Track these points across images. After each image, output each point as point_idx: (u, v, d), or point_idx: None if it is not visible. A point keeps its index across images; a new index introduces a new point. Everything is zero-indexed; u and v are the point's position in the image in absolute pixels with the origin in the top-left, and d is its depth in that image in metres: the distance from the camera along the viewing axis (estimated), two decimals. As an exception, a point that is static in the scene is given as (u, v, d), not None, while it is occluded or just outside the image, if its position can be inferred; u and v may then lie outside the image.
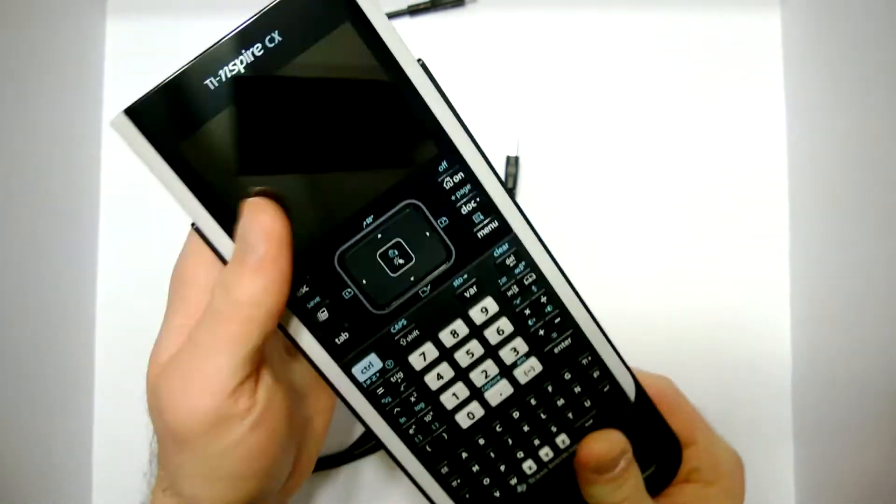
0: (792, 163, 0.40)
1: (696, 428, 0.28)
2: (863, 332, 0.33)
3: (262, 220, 0.21)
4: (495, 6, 0.41)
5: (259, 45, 0.21)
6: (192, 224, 0.23)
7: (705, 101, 0.41)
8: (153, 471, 0.25)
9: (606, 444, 0.26)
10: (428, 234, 0.23)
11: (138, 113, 0.21)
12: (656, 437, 0.27)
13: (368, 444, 0.39)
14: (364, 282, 0.23)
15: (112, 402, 0.40)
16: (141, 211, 0.40)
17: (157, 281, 0.40)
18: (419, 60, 0.22)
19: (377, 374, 0.24)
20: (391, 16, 0.41)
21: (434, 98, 0.22)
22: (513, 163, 0.39)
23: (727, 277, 0.40)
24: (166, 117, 0.21)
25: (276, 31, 0.21)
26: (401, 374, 0.24)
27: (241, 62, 0.21)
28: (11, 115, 0.34)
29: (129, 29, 0.41)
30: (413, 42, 0.41)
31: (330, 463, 0.39)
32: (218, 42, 0.21)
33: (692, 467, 0.28)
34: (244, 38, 0.21)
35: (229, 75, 0.21)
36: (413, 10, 0.41)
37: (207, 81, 0.21)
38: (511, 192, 0.39)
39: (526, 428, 0.26)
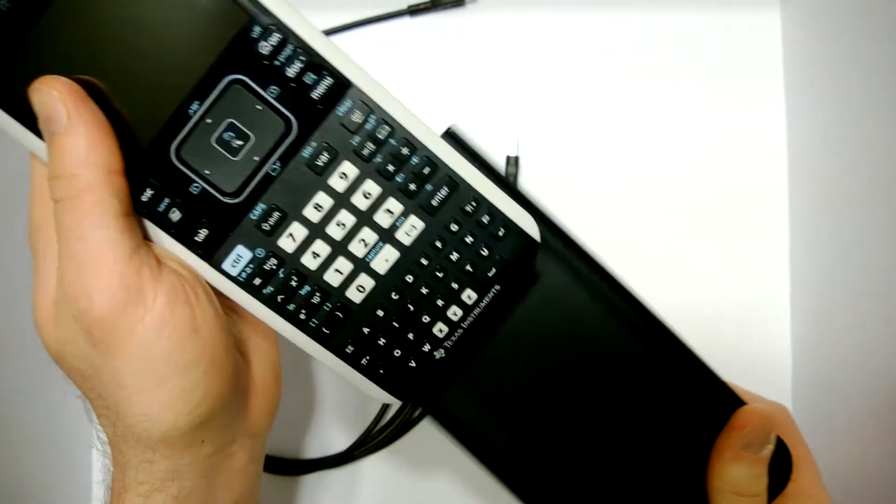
0: (792, 163, 0.40)
1: (804, 465, 0.27)
2: (863, 332, 0.33)
3: (48, 90, 0.20)
4: (495, 6, 0.41)
5: None
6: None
7: (705, 100, 0.41)
8: (105, 448, 0.24)
9: (764, 414, 0.25)
10: (259, 107, 0.22)
11: None
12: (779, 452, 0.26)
13: (369, 445, 0.39)
14: (207, 172, 0.22)
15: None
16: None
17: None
18: None
19: (250, 265, 0.23)
20: (391, 16, 0.41)
21: None
22: (513, 163, 0.39)
23: (727, 277, 0.40)
24: None
25: None
26: (274, 261, 0.23)
27: None
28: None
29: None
30: (413, 42, 0.41)
31: (330, 463, 0.39)
32: None
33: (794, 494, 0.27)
34: None
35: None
36: (413, 10, 0.41)
37: None
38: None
39: (425, 290, 0.24)
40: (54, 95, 0.20)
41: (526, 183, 0.40)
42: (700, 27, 0.41)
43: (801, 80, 0.39)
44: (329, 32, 0.41)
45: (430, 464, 0.39)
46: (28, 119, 0.21)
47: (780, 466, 0.26)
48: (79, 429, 0.39)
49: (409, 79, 0.41)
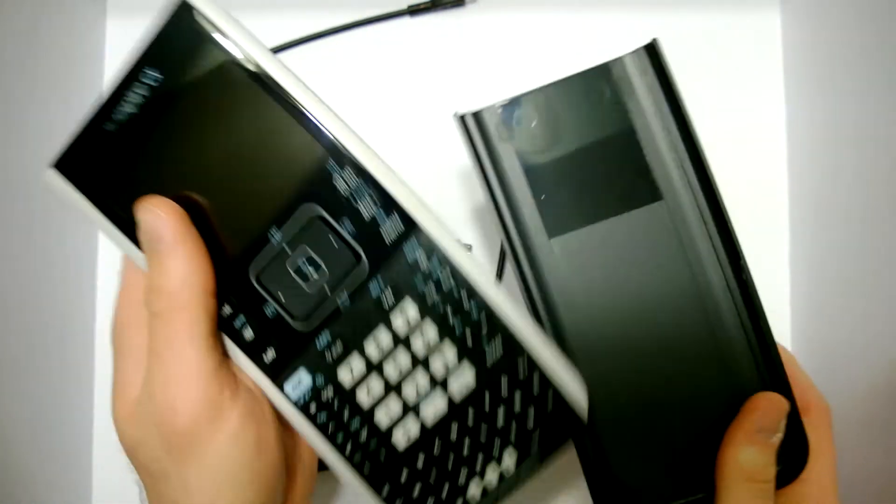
0: (792, 163, 0.40)
1: (822, 462, 0.27)
2: (862, 332, 0.33)
3: (155, 211, 0.22)
4: (495, 6, 0.41)
5: (142, 84, 0.22)
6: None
7: (705, 100, 0.40)
8: None
9: (776, 400, 0.26)
10: (333, 240, 0.23)
11: (64, 165, 0.23)
12: (794, 440, 0.27)
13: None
14: (281, 296, 0.23)
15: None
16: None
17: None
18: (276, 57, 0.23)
19: (309, 391, 0.24)
20: (391, 16, 0.41)
21: (309, 99, 0.22)
22: (513, 163, 0.39)
23: (727, 277, 0.40)
24: (84, 167, 0.23)
25: (157, 69, 0.22)
26: (332, 391, 0.24)
27: (132, 104, 0.22)
28: (11, 114, 0.34)
29: (130, 29, 0.41)
30: (413, 42, 0.41)
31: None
32: (107, 92, 0.22)
33: (806, 493, 0.27)
34: (129, 80, 0.22)
35: (124, 114, 0.22)
36: (413, 10, 0.41)
37: (106, 126, 0.22)
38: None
39: (466, 451, 0.24)
40: (161, 216, 0.22)
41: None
42: (700, 27, 0.41)
43: (801, 80, 0.39)
44: (329, 32, 0.41)
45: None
46: (129, 229, 0.23)
47: (795, 458, 0.27)
48: (79, 429, 0.39)
49: (408, 79, 0.41)
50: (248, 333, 0.23)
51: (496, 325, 0.23)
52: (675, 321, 0.28)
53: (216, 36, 0.22)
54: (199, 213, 0.23)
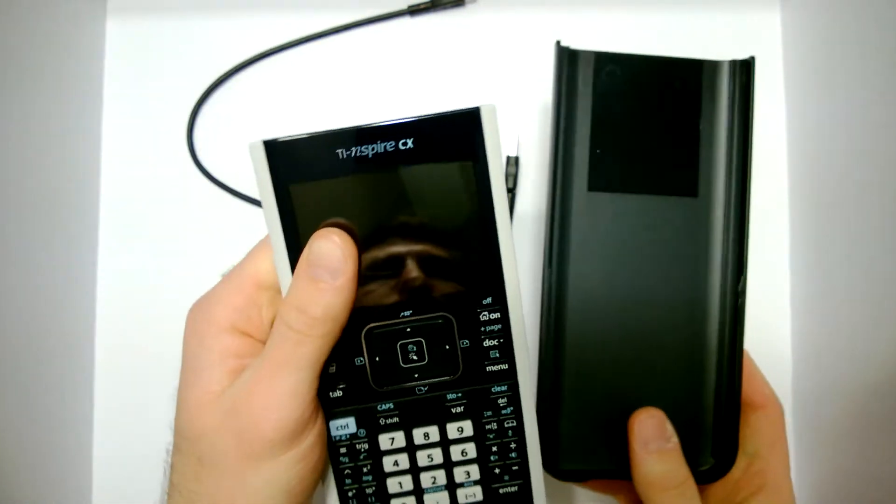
0: (792, 163, 0.40)
1: (775, 455, 0.30)
2: (863, 332, 0.33)
3: (342, 245, 0.24)
4: (495, 6, 0.41)
5: (393, 142, 0.24)
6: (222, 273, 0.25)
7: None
8: None
9: (652, 413, 0.28)
10: (448, 347, 0.26)
11: (272, 147, 0.24)
12: (728, 438, 0.30)
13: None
14: (377, 359, 0.26)
15: (112, 403, 0.40)
16: (140, 211, 0.40)
17: (157, 282, 0.40)
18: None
19: (348, 436, 0.27)
20: (391, 16, 0.41)
21: (508, 251, 0.26)
22: (513, 163, 0.39)
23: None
24: (291, 160, 0.24)
25: (412, 139, 0.24)
26: (366, 446, 0.27)
27: (372, 150, 0.24)
28: (11, 114, 0.34)
29: (130, 29, 0.41)
30: (413, 42, 0.41)
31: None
32: (365, 125, 0.24)
33: (760, 484, 0.29)
34: (385, 133, 0.24)
35: (357, 154, 0.24)
36: (413, 10, 0.41)
37: (339, 150, 0.24)
38: (511, 192, 0.39)
39: None
40: (339, 252, 0.24)
41: (526, 183, 0.40)
42: (700, 27, 0.41)
43: (801, 80, 0.39)
44: (329, 32, 0.41)
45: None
46: (292, 239, 0.25)
47: (726, 451, 0.29)
48: (79, 429, 0.39)
49: (408, 79, 0.41)
50: (331, 369, 0.26)
51: (521, 478, 0.27)
52: (666, 307, 0.30)
53: (480, 147, 0.25)
54: (365, 260, 0.25)
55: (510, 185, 0.39)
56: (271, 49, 0.41)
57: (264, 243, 0.26)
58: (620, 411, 0.30)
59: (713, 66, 0.30)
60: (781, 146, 0.40)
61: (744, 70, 0.30)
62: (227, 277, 0.27)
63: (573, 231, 0.30)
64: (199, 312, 0.26)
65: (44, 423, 0.36)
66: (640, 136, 0.30)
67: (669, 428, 0.28)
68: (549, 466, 0.30)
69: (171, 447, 0.26)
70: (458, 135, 0.24)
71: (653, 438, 0.28)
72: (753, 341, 0.37)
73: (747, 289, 0.30)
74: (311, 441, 0.25)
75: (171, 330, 0.41)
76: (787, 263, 0.40)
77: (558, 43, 0.30)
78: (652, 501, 0.28)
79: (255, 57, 0.41)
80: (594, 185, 0.30)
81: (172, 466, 0.26)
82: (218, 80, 0.41)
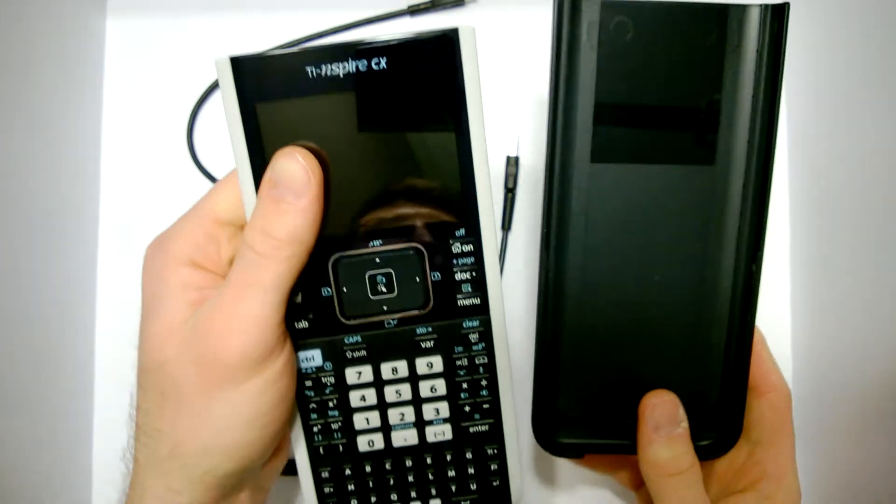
0: (792, 163, 0.40)
1: (781, 445, 0.29)
2: (862, 332, 0.33)
3: (305, 162, 0.23)
4: (495, 6, 0.41)
5: (365, 62, 0.23)
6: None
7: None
8: (132, 450, 0.25)
9: (665, 397, 0.28)
10: (418, 279, 0.25)
11: (239, 63, 0.23)
12: (732, 415, 0.28)
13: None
14: (344, 290, 0.25)
15: (112, 403, 0.40)
16: (141, 210, 0.40)
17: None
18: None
19: (314, 369, 0.26)
20: (391, 16, 0.41)
21: (483, 181, 0.24)
22: (513, 163, 0.39)
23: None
24: (258, 77, 0.23)
25: (385, 59, 0.23)
26: (332, 379, 0.26)
27: (343, 68, 0.23)
28: (11, 113, 0.34)
29: (130, 27, 0.41)
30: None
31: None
32: (336, 43, 0.23)
33: (762, 472, 0.29)
34: (358, 51, 0.23)
35: (328, 73, 0.23)
36: (413, 10, 0.41)
37: (309, 68, 0.23)
38: (511, 192, 0.39)
39: (410, 479, 0.27)
40: (303, 172, 0.23)
41: (526, 183, 0.40)
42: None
43: (801, 80, 0.39)
44: (329, 32, 0.41)
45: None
46: (256, 158, 0.24)
47: (730, 427, 0.28)
48: (80, 430, 0.39)
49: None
50: (297, 298, 0.25)
51: (491, 417, 0.27)
52: (671, 283, 0.28)
53: (458, 71, 0.23)
54: (332, 185, 0.24)
55: (510, 186, 0.39)
56: (272, 49, 0.41)
57: (225, 180, 0.26)
58: (622, 385, 0.28)
59: (740, 11, 0.26)
60: (782, 145, 0.40)
61: (776, 17, 0.26)
62: (186, 214, 0.26)
63: (574, 206, 0.28)
64: (156, 249, 0.26)
65: (44, 423, 0.36)
66: (651, 98, 0.27)
67: (681, 413, 0.28)
68: (546, 441, 0.29)
69: (135, 393, 0.26)
70: (434, 57, 0.23)
71: (665, 423, 0.27)
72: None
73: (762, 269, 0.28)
74: (277, 370, 0.24)
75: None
76: (787, 263, 0.40)
77: None
78: (656, 484, 0.27)
79: (255, 57, 0.41)
80: (598, 156, 0.27)
81: (137, 408, 0.25)
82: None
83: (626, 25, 0.26)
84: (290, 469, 0.39)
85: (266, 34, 0.41)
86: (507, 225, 0.39)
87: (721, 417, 0.29)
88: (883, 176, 0.32)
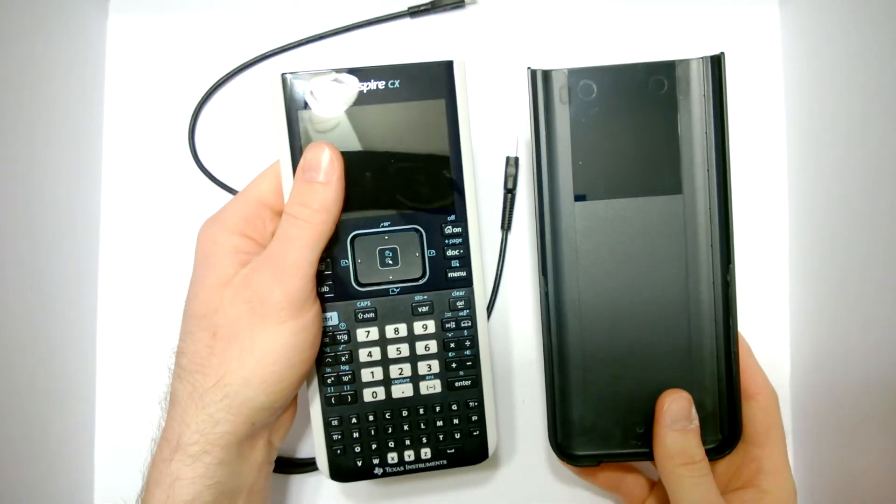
0: (792, 163, 0.40)
1: (773, 444, 0.32)
2: (861, 334, 0.33)
3: (329, 152, 0.29)
4: (495, 7, 0.41)
5: (384, 82, 0.30)
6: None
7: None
8: (166, 405, 0.30)
9: (679, 397, 0.31)
10: (417, 254, 0.31)
11: (286, 79, 0.30)
12: (730, 419, 0.32)
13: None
14: (359, 261, 0.31)
15: (114, 402, 0.40)
16: (142, 209, 0.41)
17: (158, 282, 0.40)
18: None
19: (331, 328, 0.32)
20: (391, 17, 0.41)
21: (470, 177, 0.31)
22: (512, 163, 0.39)
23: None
24: (299, 91, 0.30)
25: (399, 80, 0.30)
26: (346, 336, 0.32)
27: (366, 86, 0.30)
28: (12, 112, 0.34)
29: (131, 28, 0.41)
30: (413, 43, 0.41)
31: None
32: (365, 67, 0.30)
33: (758, 469, 0.32)
34: (379, 73, 0.30)
35: (356, 92, 0.30)
36: (413, 12, 0.41)
37: (335, 78, 0.30)
38: (511, 192, 0.39)
39: (405, 427, 0.32)
40: (328, 156, 0.29)
41: (526, 183, 0.40)
42: (699, 27, 0.41)
43: (801, 80, 0.39)
44: (330, 34, 0.41)
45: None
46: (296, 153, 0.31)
47: (731, 430, 0.32)
48: (80, 430, 0.39)
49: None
50: (322, 266, 0.31)
51: (473, 372, 0.32)
52: (660, 300, 0.32)
53: (451, 90, 0.31)
54: (353, 178, 0.30)
55: (510, 186, 0.39)
56: (273, 50, 0.41)
57: (266, 172, 0.31)
58: (628, 400, 0.32)
59: (684, 65, 0.32)
60: (781, 145, 0.40)
61: (715, 65, 0.31)
62: (235, 197, 0.32)
63: (564, 240, 0.32)
64: (212, 222, 0.31)
65: (45, 422, 0.36)
66: (621, 142, 0.32)
67: (694, 412, 0.31)
68: (563, 452, 0.32)
69: (171, 364, 0.30)
70: (434, 79, 0.31)
71: (680, 418, 0.31)
72: (752, 341, 0.37)
73: (736, 280, 0.31)
74: (311, 317, 0.29)
75: (172, 329, 0.42)
76: (786, 263, 0.40)
77: (529, 68, 0.32)
78: (671, 474, 0.30)
79: (256, 58, 0.41)
80: (580, 195, 0.32)
81: (181, 353, 0.30)
82: (219, 80, 0.41)
83: (591, 86, 0.32)
84: (282, 467, 0.39)
85: (266, 35, 0.41)
86: (506, 225, 0.40)
87: (720, 422, 0.32)
88: (882, 174, 0.32)
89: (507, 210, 0.39)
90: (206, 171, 0.40)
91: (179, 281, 0.40)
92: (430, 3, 0.41)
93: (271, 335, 0.28)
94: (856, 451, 0.33)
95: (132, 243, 0.41)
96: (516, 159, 0.39)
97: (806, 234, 0.38)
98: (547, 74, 0.32)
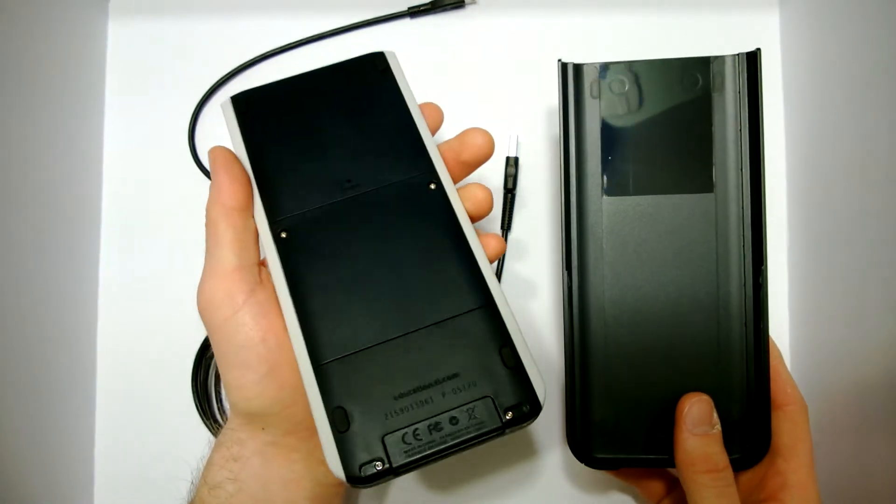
0: (791, 163, 0.40)
1: (799, 457, 0.30)
2: (861, 332, 0.33)
3: (213, 152, 0.30)
4: (495, 7, 0.41)
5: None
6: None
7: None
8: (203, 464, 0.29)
9: (701, 400, 0.29)
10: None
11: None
12: (757, 431, 0.30)
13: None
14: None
15: (114, 402, 0.40)
16: (142, 211, 0.41)
17: (159, 282, 0.40)
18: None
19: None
20: (391, 17, 0.41)
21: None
22: (512, 163, 0.39)
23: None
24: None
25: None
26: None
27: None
28: (13, 115, 0.34)
29: (131, 30, 0.41)
30: (413, 43, 0.41)
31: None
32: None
33: (782, 483, 0.30)
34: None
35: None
36: (413, 12, 0.41)
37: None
38: (511, 192, 0.39)
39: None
40: (216, 155, 0.30)
41: (525, 183, 0.40)
42: (699, 27, 0.41)
43: (801, 81, 0.39)
44: (330, 34, 0.41)
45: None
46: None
47: (758, 442, 0.30)
48: (81, 430, 0.39)
49: (408, 80, 0.41)
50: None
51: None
52: (687, 301, 0.31)
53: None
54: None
55: (510, 186, 0.39)
56: (273, 50, 0.41)
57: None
58: (651, 403, 0.31)
59: (719, 61, 0.31)
60: (780, 146, 0.40)
61: (751, 62, 0.31)
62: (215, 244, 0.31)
63: (590, 236, 0.31)
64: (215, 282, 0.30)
65: (45, 421, 0.36)
66: (651, 138, 0.31)
67: (715, 416, 0.29)
68: (582, 455, 0.31)
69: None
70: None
71: (700, 422, 0.29)
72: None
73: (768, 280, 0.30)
74: (247, 311, 0.28)
75: (173, 329, 0.42)
76: (786, 263, 0.40)
77: (560, 61, 0.31)
78: (692, 482, 0.28)
79: (256, 58, 0.41)
80: (609, 190, 0.31)
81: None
82: (219, 81, 0.41)
83: (622, 81, 0.31)
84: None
85: (267, 35, 0.41)
86: (506, 225, 0.39)
87: (747, 432, 0.30)
88: (881, 176, 0.32)
89: (507, 210, 0.39)
90: (207, 171, 0.40)
91: (180, 280, 0.40)
92: (430, 3, 0.41)
93: (220, 337, 0.29)
94: (856, 452, 0.33)
95: (132, 243, 0.41)
96: (516, 159, 0.39)
97: (805, 234, 0.38)
98: (578, 68, 0.31)
